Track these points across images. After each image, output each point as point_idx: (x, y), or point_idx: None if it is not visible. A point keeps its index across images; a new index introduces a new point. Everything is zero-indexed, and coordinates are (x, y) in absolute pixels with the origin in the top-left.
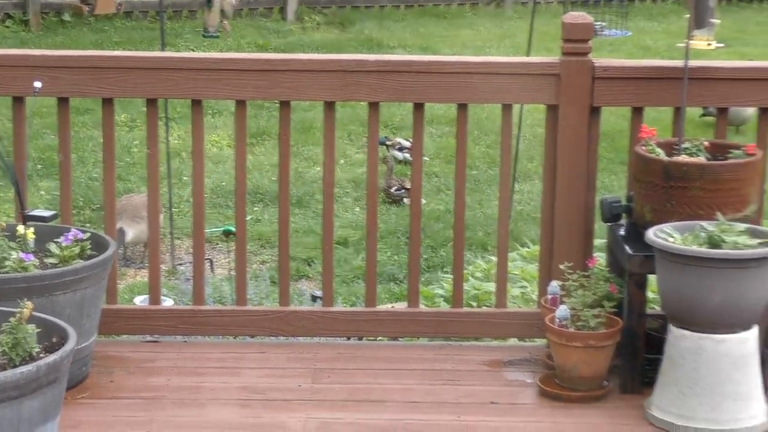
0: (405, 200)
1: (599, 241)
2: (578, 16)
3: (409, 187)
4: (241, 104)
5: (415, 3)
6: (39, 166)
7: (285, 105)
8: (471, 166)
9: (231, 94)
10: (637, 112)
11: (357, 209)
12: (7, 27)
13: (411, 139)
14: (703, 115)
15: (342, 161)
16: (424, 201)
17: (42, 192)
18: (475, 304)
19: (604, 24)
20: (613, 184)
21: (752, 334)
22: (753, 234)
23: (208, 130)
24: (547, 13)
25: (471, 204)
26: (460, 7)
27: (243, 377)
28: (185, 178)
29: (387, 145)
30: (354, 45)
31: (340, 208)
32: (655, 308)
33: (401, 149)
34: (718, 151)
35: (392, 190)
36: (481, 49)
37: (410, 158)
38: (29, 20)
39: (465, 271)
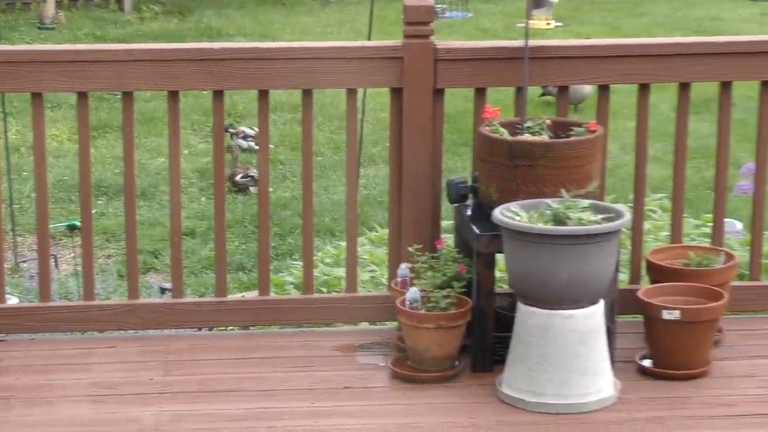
0: (251, 188)
1: (447, 223)
2: None
3: (253, 174)
4: (83, 96)
5: None
6: None
7: (128, 96)
8: (316, 153)
9: (73, 87)
10: (480, 93)
11: (203, 199)
12: None
13: (255, 128)
14: (543, 94)
15: (186, 151)
16: (270, 189)
17: None
18: (325, 290)
19: (444, 6)
20: (457, 166)
21: (599, 309)
22: (596, 210)
23: (48, 124)
24: None
25: (317, 190)
26: None
27: (94, 373)
28: (25, 173)
29: (231, 134)
30: (193, 34)
31: (186, 198)
32: (503, 287)
33: (245, 137)
34: (560, 129)
35: (237, 178)
36: (322, 35)
37: (255, 146)
38: None
39: (314, 258)
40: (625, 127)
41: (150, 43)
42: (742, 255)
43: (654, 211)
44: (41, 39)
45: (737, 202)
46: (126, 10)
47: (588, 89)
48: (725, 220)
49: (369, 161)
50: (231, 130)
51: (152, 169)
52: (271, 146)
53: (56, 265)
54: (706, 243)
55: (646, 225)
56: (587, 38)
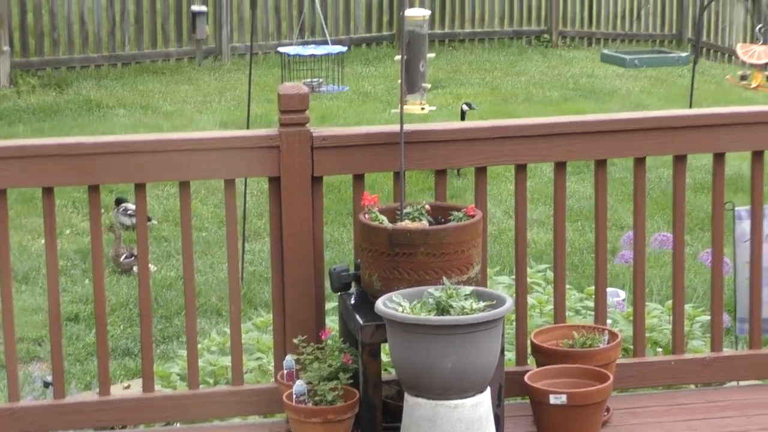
0: (135, 269)
1: (332, 304)
2: (293, 87)
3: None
4: None
5: (131, 60)
6: None
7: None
8: (200, 228)
9: None
10: (358, 179)
11: (87, 281)
12: None
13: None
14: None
15: (68, 231)
16: (154, 268)
17: None
18: (211, 380)
19: (321, 80)
20: (342, 237)
21: (485, 397)
22: (479, 296)
23: None
24: (264, 64)
25: (203, 268)
26: (179, 63)
27: None
28: None
29: (120, 205)
30: (72, 107)
31: (68, 281)
32: (391, 372)
33: (131, 215)
34: (439, 213)
35: (121, 259)
36: (203, 104)
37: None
38: None
39: (200, 346)
40: (508, 190)
41: (21, 140)
42: (625, 329)
43: (538, 284)
44: None
45: (621, 267)
46: (1, 84)
47: None
48: (608, 289)
49: (255, 235)
50: (123, 204)
51: (33, 251)
52: (154, 221)
53: None
54: (590, 317)
55: (530, 299)
56: (464, 101)
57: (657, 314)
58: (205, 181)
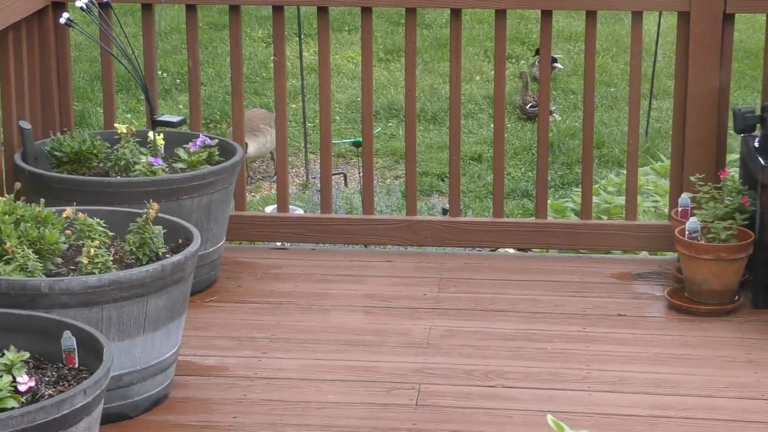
0: None
1: (734, 156)
2: None
3: None
4: (366, 12)
5: None
6: (178, 81)
7: (411, 12)
8: (609, 83)
9: (358, 1)
10: None
11: (492, 126)
12: None
13: (557, 54)
14: None
15: (477, 78)
16: (559, 117)
17: (180, 106)
18: (605, 217)
19: None
20: (756, 103)
21: None
22: None
23: (345, 46)
24: None
25: (608, 121)
26: None
27: (369, 285)
28: None
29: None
30: None
31: (474, 124)
32: None
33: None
34: None
35: (527, 107)
36: None
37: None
38: None
39: (597, 186)
40: None
41: None
42: None
43: None
44: None
45: None
46: None
47: None
48: None
49: (663, 94)
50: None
51: (443, 94)
52: (559, 66)
53: (345, 183)
54: None
55: None
56: None
57: None
58: (616, 39)
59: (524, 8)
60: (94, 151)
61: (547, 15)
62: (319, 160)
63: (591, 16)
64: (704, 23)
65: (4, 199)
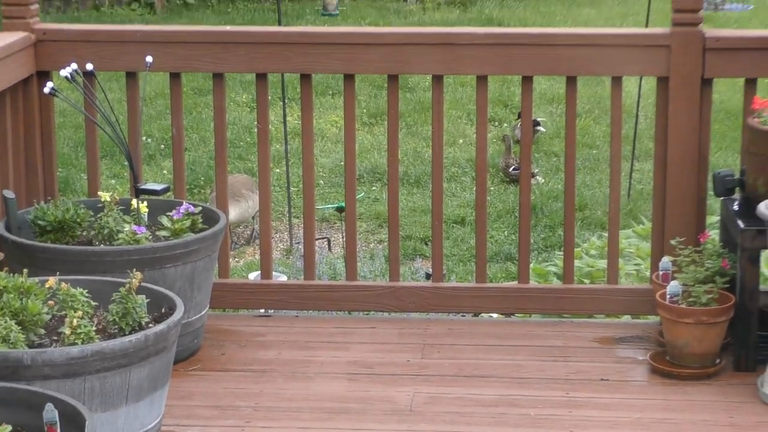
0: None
1: (714, 219)
2: None
3: None
4: (349, 78)
5: None
6: (162, 146)
7: (393, 79)
8: (591, 145)
9: (340, 69)
10: (750, 83)
11: (475, 189)
12: (134, 11)
13: (539, 118)
14: None
15: (461, 141)
16: (542, 180)
17: (165, 171)
18: (587, 281)
19: None
20: (736, 163)
21: None
22: None
23: (328, 110)
24: None
25: (591, 183)
26: None
27: (352, 352)
28: None
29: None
30: (475, 24)
31: (457, 187)
32: None
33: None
34: None
35: (510, 169)
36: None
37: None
38: (154, 3)
39: (579, 249)
40: None
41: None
42: None
43: None
44: (321, 24)
45: None
46: (409, 0)
47: None
48: None
49: (645, 155)
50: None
51: (426, 157)
52: (542, 129)
53: (329, 248)
54: None
55: None
56: None
57: None
58: (598, 101)
59: (505, 74)
60: (78, 220)
61: (527, 80)
62: (302, 225)
63: (571, 81)
64: (683, 88)
65: None
